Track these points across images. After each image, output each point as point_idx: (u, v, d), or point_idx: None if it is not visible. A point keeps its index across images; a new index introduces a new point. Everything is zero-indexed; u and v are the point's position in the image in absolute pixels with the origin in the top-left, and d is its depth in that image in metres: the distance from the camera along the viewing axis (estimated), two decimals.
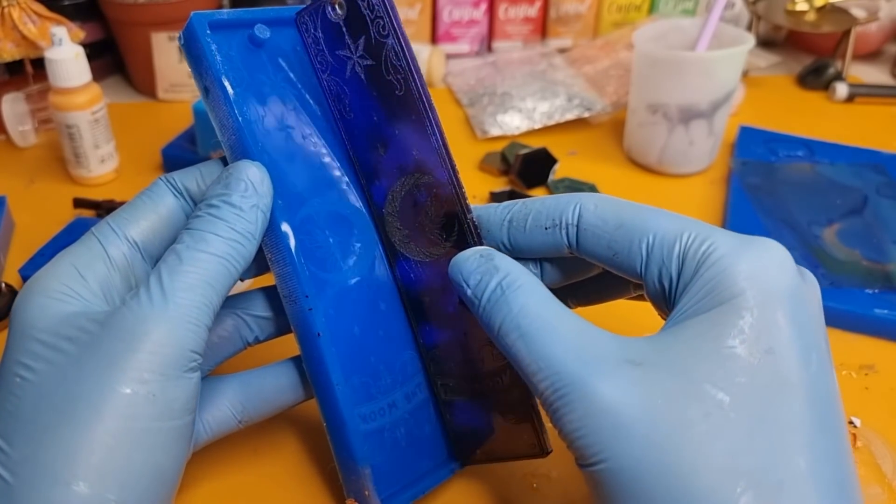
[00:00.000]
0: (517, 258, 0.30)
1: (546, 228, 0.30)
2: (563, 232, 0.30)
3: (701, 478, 0.23)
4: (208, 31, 0.30)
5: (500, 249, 0.31)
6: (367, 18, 0.29)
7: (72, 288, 0.28)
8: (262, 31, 0.31)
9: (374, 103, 0.31)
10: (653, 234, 0.28)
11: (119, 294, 0.29)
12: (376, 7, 0.29)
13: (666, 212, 0.29)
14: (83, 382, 0.25)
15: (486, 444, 0.34)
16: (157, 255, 0.30)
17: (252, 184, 0.29)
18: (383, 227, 0.33)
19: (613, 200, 0.30)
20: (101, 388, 0.25)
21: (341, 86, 0.31)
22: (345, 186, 0.34)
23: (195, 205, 0.31)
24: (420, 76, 0.29)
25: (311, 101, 0.33)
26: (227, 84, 0.30)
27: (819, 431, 0.24)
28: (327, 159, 0.33)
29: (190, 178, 0.31)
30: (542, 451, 0.32)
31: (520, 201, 0.31)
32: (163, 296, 0.26)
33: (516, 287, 0.27)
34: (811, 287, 0.28)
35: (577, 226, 0.29)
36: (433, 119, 0.30)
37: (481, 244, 0.31)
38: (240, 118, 0.30)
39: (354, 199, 0.34)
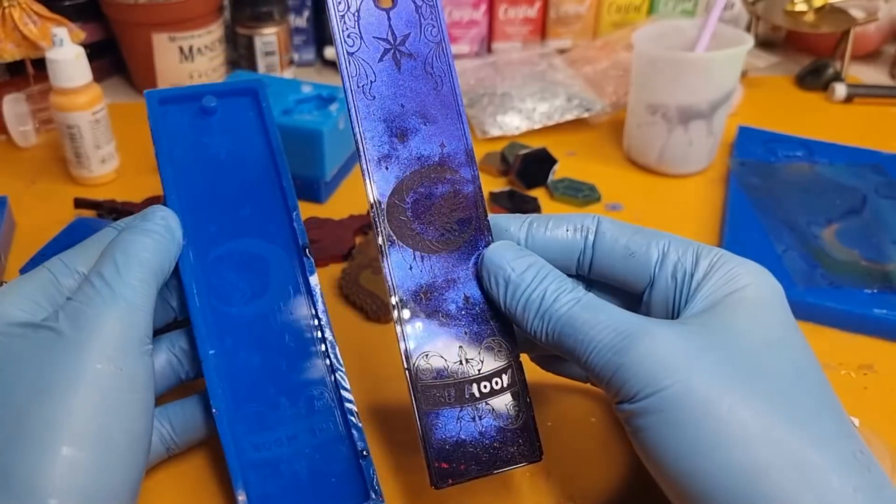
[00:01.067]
0: None
1: (567, 230, 0.33)
2: (583, 234, 0.33)
3: (770, 399, 0.27)
4: (157, 105, 0.37)
5: None
6: (419, 20, 0.31)
7: (24, 305, 0.31)
8: (209, 101, 0.38)
9: (406, 93, 0.32)
10: (668, 239, 0.32)
11: None
12: (428, 14, 0.32)
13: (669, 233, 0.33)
14: (57, 363, 0.28)
15: (476, 455, 0.32)
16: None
17: (164, 215, 0.34)
18: (383, 216, 0.32)
19: (623, 222, 0.34)
20: (76, 366, 0.28)
21: (370, 67, 0.31)
22: (273, 228, 0.38)
23: None
24: (458, 80, 0.32)
25: (255, 159, 0.38)
26: (160, 147, 0.37)
27: (828, 387, 0.29)
28: (258, 207, 0.38)
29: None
30: (540, 454, 0.32)
31: (538, 214, 0.35)
32: (112, 291, 0.30)
33: (563, 276, 0.31)
34: None
35: (597, 230, 0.32)
36: (466, 120, 0.32)
37: (492, 241, 0.33)
38: (165, 175, 0.36)
39: (280, 243, 0.38)
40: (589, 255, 0.33)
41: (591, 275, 0.34)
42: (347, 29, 0.31)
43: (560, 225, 0.33)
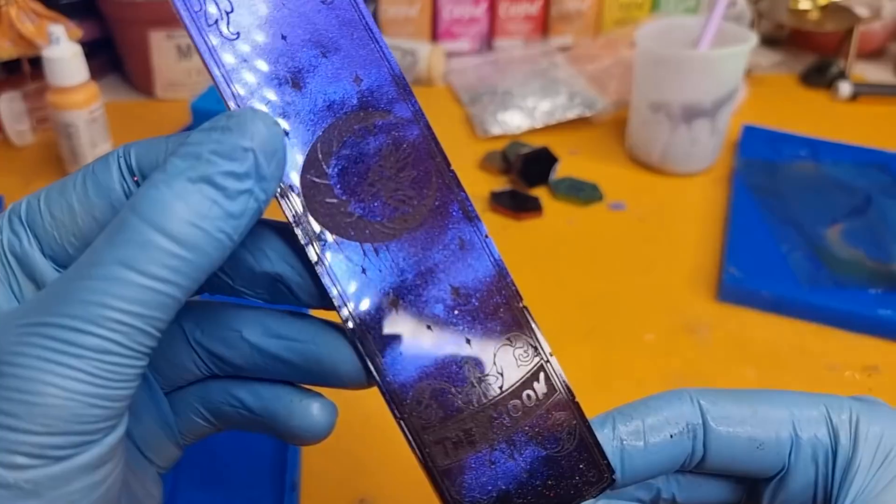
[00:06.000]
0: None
1: (670, 435, 0.25)
2: (690, 435, 0.25)
3: None
4: None
5: None
6: None
7: None
8: None
9: (285, 18, 0.22)
10: (790, 411, 0.25)
11: None
12: None
13: (777, 390, 0.26)
14: None
15: (532, 499, 0.23)
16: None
17: (255, 155, 0.19)
18: (300, 205, 0.22)
19: (718, 391, 0.26)
20: None
21: None
22: None
23: None
24: None
25: None
26: None
27: None
28: None
29: (151, 156, 0.22)
30: (611, 473, 0.24)
31: (615, 414, 0.25)
32: (56, 345, 0.17)
33: None
34: None
35: (705, 426, 0.25)
36: (382, 38, 0.23)
37: (470, 202, 0.23)
38: None
39: None
40: (699, 456, 0.25)
41: (696, 469, 0.26)
42: None
43: (660, 431, 0.25)
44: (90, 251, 0.19)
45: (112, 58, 0.80)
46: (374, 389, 0.22)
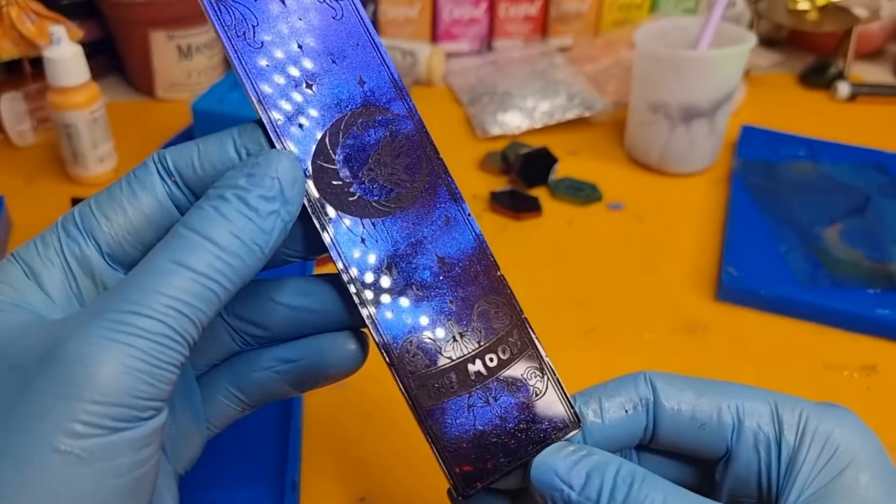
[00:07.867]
0: None
1: (626, 410, 0.27)
2: (645, 410, 0.27)
3: None
4: None
5: None
6: None
7: (24, 297, 0.23)
8: None
9: (301, 30, 0.26)
10: (737, 399, 0.26)
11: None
12: None
13: (732, 382, 0.28)
14: (12, 434, 0.20)
15: (502, 445, 0.26)
16: (131, 259, 0.25)
17: (280, 183, 0.23)
18: (311, 187, 0.26)
19: (674, 375, 0.28)
20: (31, 444, 0.20)
21: (247, 8, 0.25)
22: None
23: (189, 192, 0.25)
24: (359, 3, 0.26)
25: None
26: None
27: None
28: None
29: (185, 158, 0.25)
30: (578, 420, 0.27)
31: (577, 395, 0.28)
32: (117, 326, 0.20)
33: (642, 477, 0.24)
34: None
35: (656, 401, 0.27)
36: (383, 47, 0.27)
37: (456, 185, 0.27)
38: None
39: None
40: (650, 431, 0.27)
41: (651, 445, 0.28)
42: None
43: (618, 409, 0.27)
44: (145, 259, 0.22)
45: (113, 58, 0.80)
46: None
